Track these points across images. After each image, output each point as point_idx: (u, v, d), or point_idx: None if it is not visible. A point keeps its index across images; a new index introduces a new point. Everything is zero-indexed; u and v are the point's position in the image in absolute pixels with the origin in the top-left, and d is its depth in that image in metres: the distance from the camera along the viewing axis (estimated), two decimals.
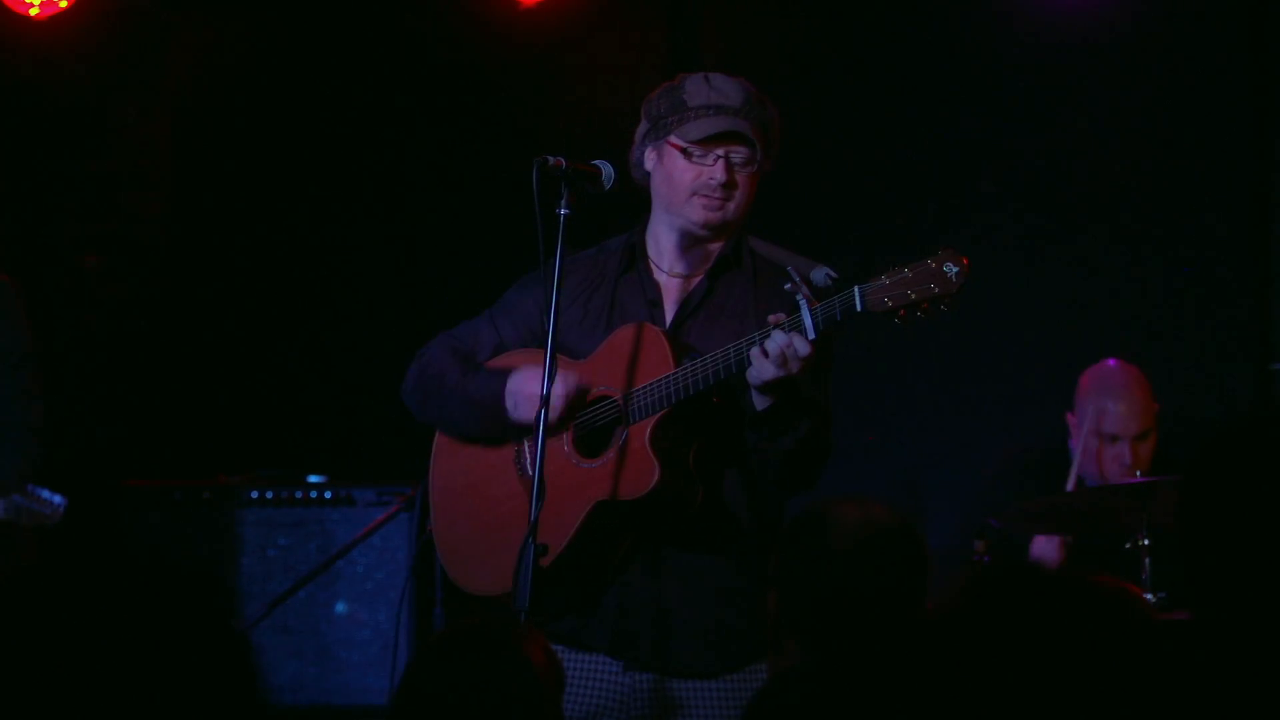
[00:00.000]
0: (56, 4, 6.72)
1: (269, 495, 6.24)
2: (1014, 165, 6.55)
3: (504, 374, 4.03)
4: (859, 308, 3.70)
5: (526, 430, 3.99)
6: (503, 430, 4.06)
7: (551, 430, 3.93)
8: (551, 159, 3.90)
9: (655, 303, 4.06)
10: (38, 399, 5.44)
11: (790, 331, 3.72)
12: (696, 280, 4.07)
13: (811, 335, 3.72)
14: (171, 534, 6.24)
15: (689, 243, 4.07)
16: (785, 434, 3.86)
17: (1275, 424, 2.31)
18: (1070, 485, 5.55)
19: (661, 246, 4.10)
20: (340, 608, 6.10)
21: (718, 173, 3.98)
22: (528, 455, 4.04)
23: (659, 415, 3.87)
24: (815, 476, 4.01)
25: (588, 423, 3.99)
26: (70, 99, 6.95)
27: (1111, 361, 5.65)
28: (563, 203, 3.91)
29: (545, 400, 3.80)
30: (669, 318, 4.05)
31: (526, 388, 3.96)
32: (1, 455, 5.27)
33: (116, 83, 7.02)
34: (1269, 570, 2.20)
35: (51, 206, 6.97)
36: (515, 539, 3.97)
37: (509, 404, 4.00)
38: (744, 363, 3.77)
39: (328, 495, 6.19)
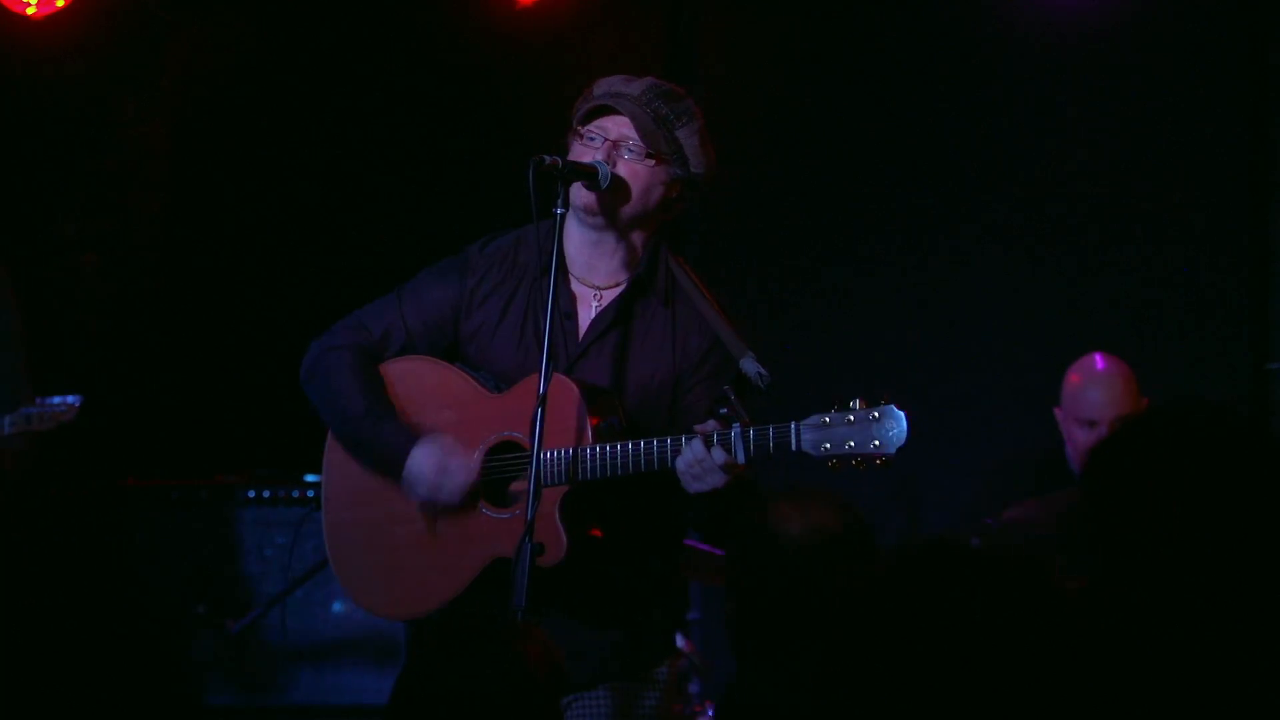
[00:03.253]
0: (53, 3, 6.71)
1: (266, 495, 6.24)
2: (1012, 164, 6.55)
3: (410, 439, 3.91)
4: (794, 447, 3.62)
5: None
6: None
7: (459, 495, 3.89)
8: (548, 158, 3.87)
9: (569, 314, 3.97)
10: (28, 383, 5.44)
11: (714, 449, 3.63)
12: (610, 294, 3.98)
13: (741, 460, 3.63)
14: (170, 534, 6.24)
15: (590, 241, 3.97)
16: (719, 525, 3.80)
17: (1170, 412, 2.40)
18: None
19: (572, 253, 3.99)
20: (337, 607, 6.10)
21: (598, 153, 3.91)
22: None
23: (568, 489, 3.78)
24: None
25: (497, 470, 3.88)
26: (67, 98, 6.95)
27: (1096, 354, 5.66)
28: (559, 202, 3.90)
29: (543, 400, 3.76)
30: (581, 332, 3.96)
31: (430, 477, 3.88)
32: None
33: (114, 82, 7.02)
34: (1162, 545, 2.29)
35: (49, 205, 6.97)
36: (413, 567, 3.94)
37: (406, 482, 3.91)
38: (665, 462, 3.68)
39: None
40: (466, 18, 6.94)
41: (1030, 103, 6.53)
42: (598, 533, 3.83)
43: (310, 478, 6.23)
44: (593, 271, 3.99)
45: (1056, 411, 5.64)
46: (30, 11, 6.71)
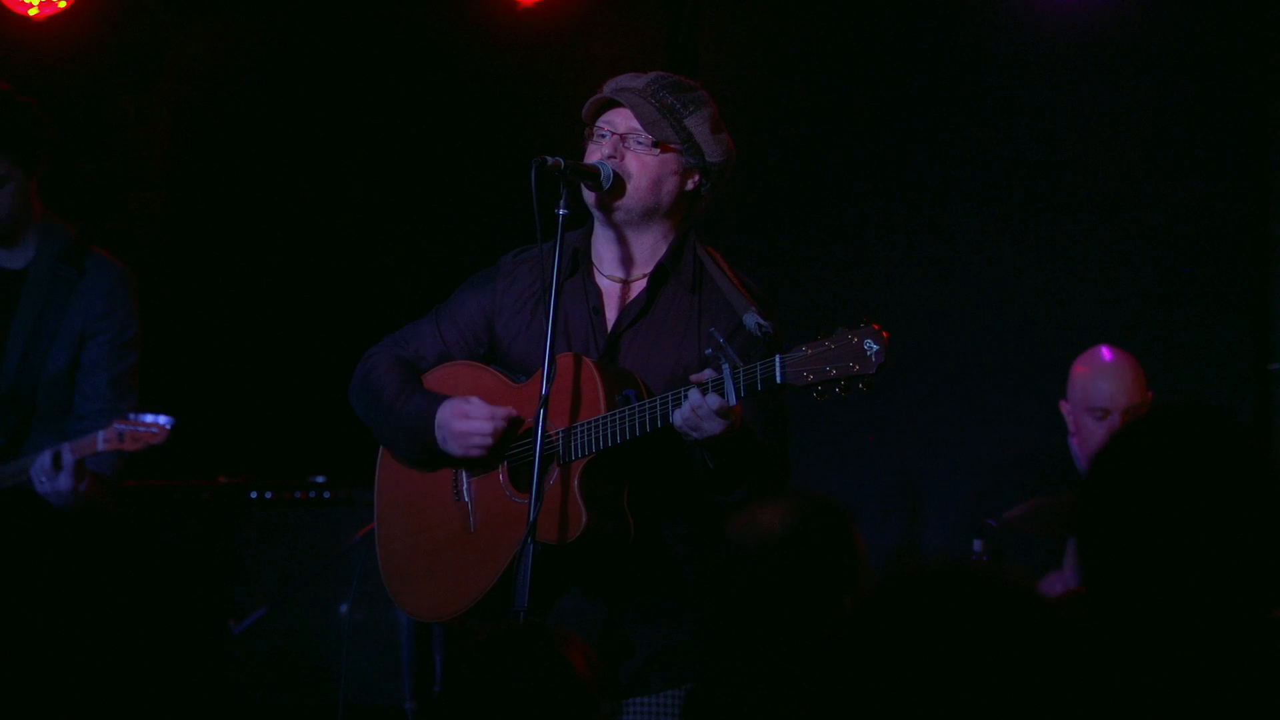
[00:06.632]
0: (55, 4, 6.72)
1: (269, 496, 6.24)
2: (1013, 164, 6.55)
3: (437, 400, 3.99)
4: (779, 379, 3.62)
5: (457, 460, 3.99)
6: (432, 457, 4.02)
7: (486, 464, 3.94)
8: (550, 159, 3.90)
9: (597, 309, 4.02)
10: (134, 391, 5.19)
11: (708, 394, 3.65)
12: (637, 285, 4.03)
13: (732, 401, 3.66)
14: (171, 534, 6.24)
15: (612, 238, 4.03)
16: (735, 488, 3.80)
17: (1171, 417, 2.38)
18: None
19: (599, 249, 4.06)
20: (340, 608, 6.10)
21: (605, 147, 3.97)
22: (464, 479, 4.03)
23: (587, 459, 3.82)
24: None
25: (521, 455, 3.93)
26: (69, 99, 6.95)
27: (1102, 346, 5.66)
28: (561, 203, 3.92)
29: (545, 401, 3.79)
30: (610, 325, 4.01)
31: (456, 424, 3.94)
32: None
33: (115, 83, 7.02)
34: (1162, 560, 2.27)
35: (50, 206, 6.97)
36: (451, 564, 3.98)
37: (438, 435, 3.98)
38: (667, 418, 3.71)
39: (327, 495, 6.19)
40: (468, 19, 6.94)
41: (1030, 102, 6.53)
42: (630, 520, 3.85)
43: (313, 478, 6.24)
44: (619, 266, 4.04)
45: (1063, 405, 5.64)
46: (33, 13, 6.71)
